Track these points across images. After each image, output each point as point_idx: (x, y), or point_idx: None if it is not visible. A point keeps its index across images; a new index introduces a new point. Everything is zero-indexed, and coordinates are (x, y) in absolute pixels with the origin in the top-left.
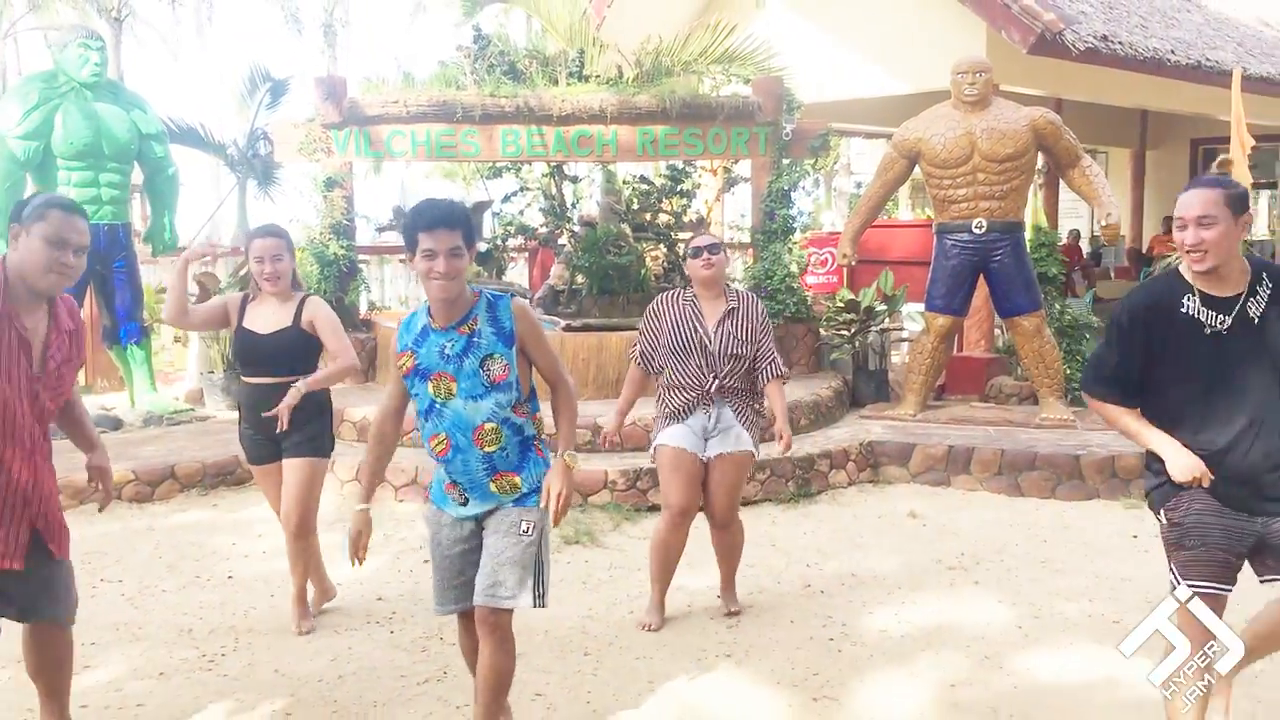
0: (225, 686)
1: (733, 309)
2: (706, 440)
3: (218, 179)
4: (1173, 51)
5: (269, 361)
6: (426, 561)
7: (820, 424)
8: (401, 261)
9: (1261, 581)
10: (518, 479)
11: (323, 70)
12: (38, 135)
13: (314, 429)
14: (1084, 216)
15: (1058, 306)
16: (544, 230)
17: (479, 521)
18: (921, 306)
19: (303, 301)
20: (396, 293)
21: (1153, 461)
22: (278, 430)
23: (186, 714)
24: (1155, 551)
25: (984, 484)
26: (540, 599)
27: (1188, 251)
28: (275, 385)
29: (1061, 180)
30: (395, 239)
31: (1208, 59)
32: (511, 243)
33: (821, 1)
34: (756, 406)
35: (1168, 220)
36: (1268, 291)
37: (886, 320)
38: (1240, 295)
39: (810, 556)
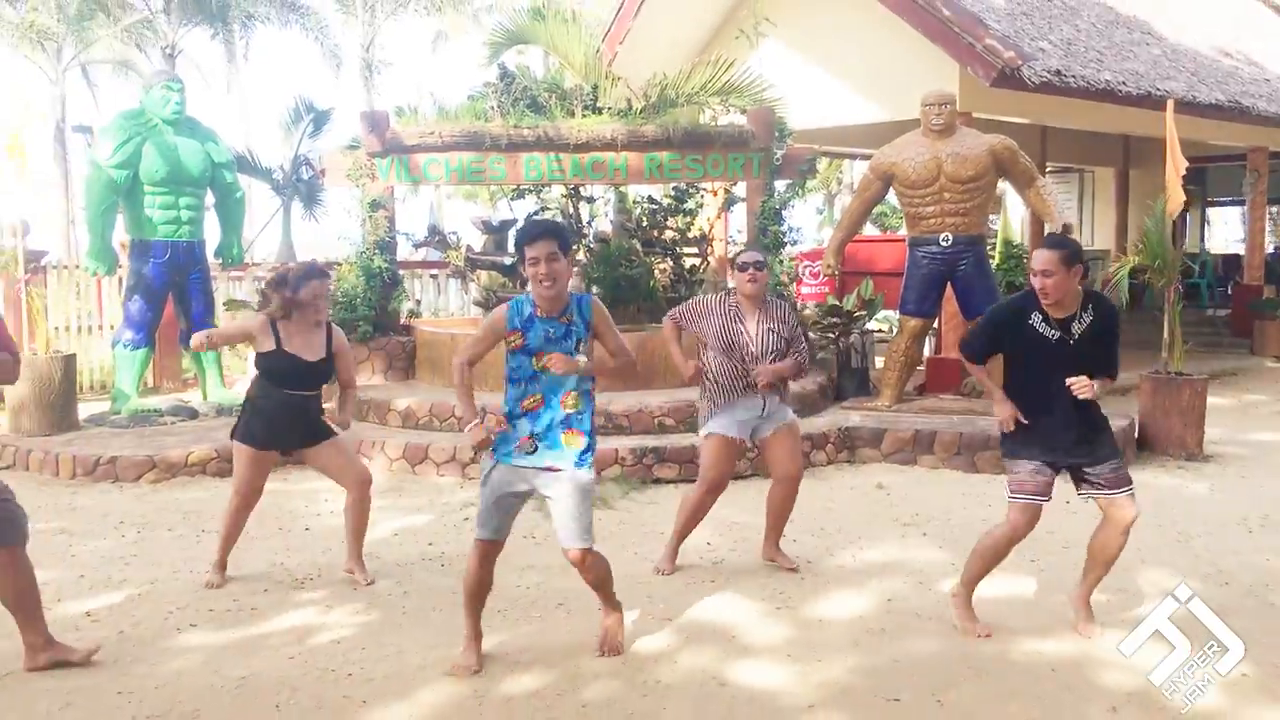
0: (315, 597)
1: (766, 311)
2: (755, 427)
3: (251, 200)
4: (1123, 83)
5: (307, 381)
6: (467, 519)
7: (804, 414)
8: (433, 277)
9: (1079, 494)
10: (581, 439)
11: (355, 97)
12: (128, 165)
13: (324, 419)
14: (1072, 235)
15: None
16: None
17: (529, 477)
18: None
19: (329, 332)
20: (426, 303)
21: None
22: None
23: (289, 612)
24: (1082, 513)
25: (945, 463)
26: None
27: (1044, 293)
28: (307, 396)
29: (1020, 198)
30: (430, 254)
31: (1157, 89)
32: None
33: (812, 38)
34: (787, 388)
35: None
36: (1089, 318)
37: (868, 323)
38: (1070, 318)
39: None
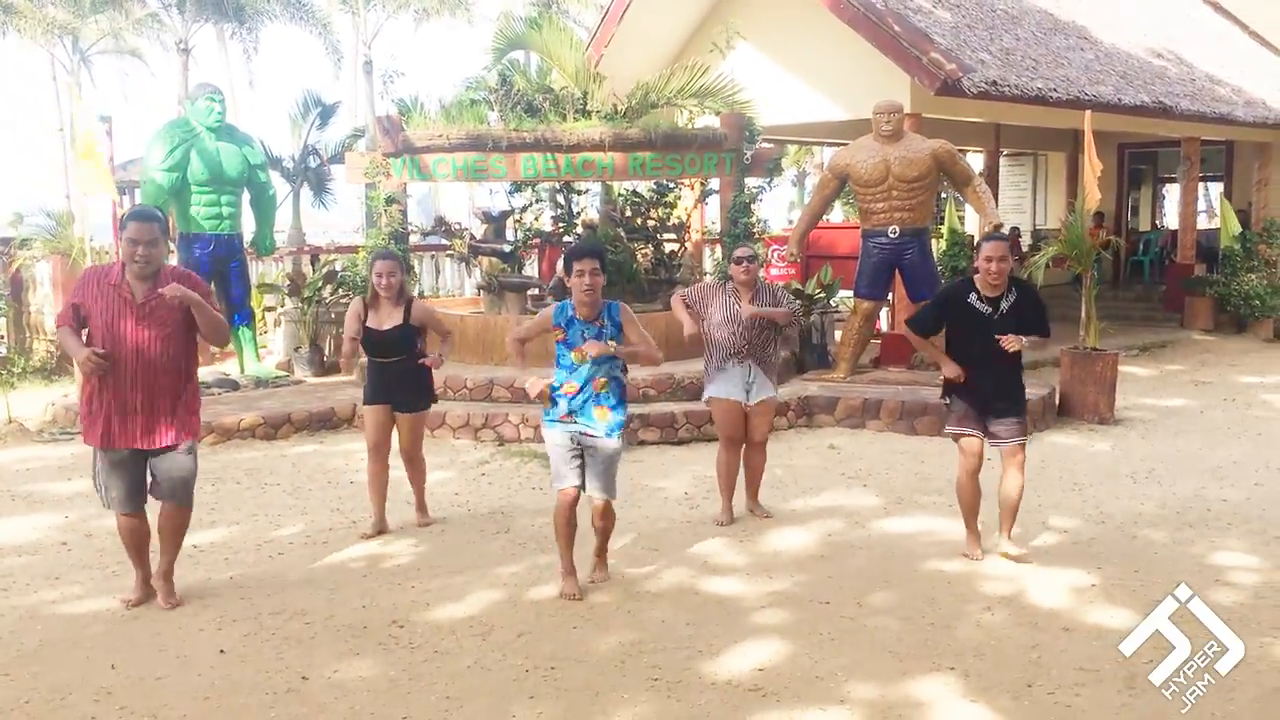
0: (373, 535)
1: (759, 292)
2: (748, 390)
3: None
4: (1054, 89)
5: (386, 349)
6: (484, 475)
7: None
8: (432, 257)
9: (990, 445)
10: (610, 414)
11: (355, 89)
12: (177, 168)
13: (423, 387)
14: (1026, 213)
15: None
16: (561, 231)
17: (575, 438)
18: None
19: (409, 304)
20: (426, 284)
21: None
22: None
23: (355, 545)
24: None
25: (890, 427)
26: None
27: (993, 274)
28: (391, 363)
29: (959, 194)
30: (435, 241)
31: (1085, 94)
32: (530, 244)
33: (781, 45)
34: (776, 362)
35: (1099, 215)
36: (1013, 297)
37: (826, 304)
38: (999, 297)
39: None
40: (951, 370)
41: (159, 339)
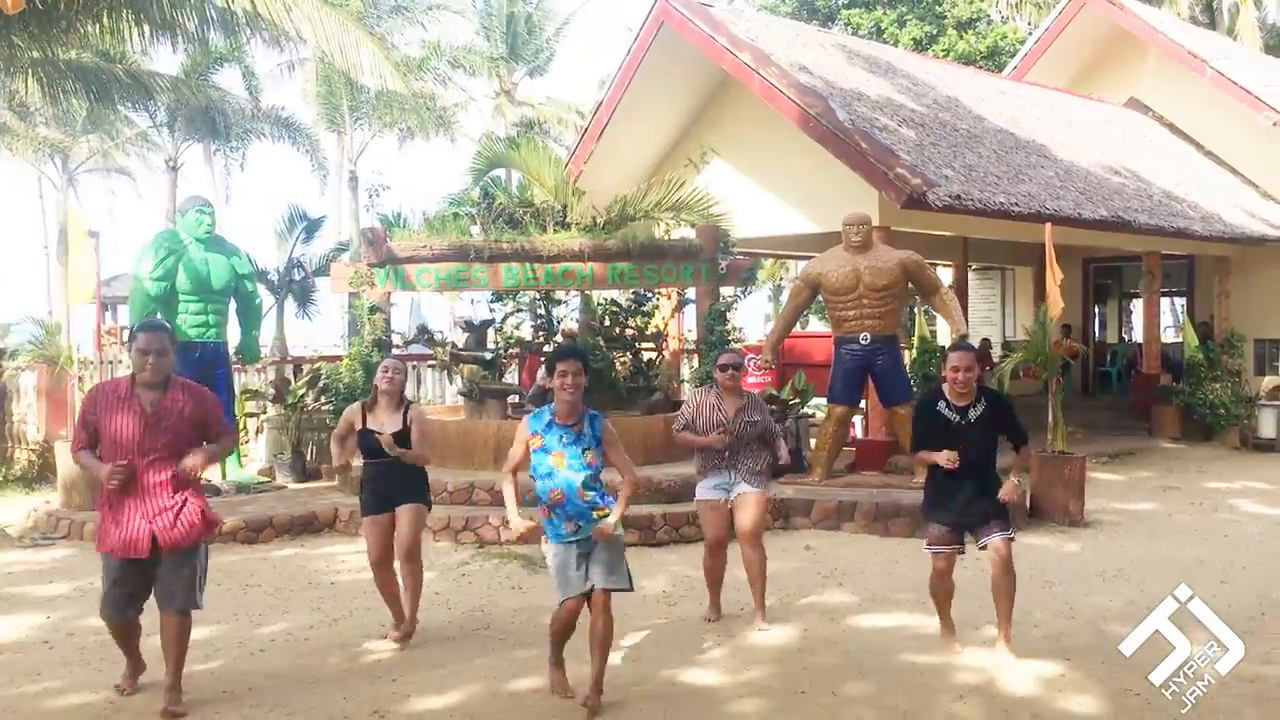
0: (349, 630)
1: (745, 404)
2: (730, 491)
3: None
4: (1015, 204)
5: (386, 452)
6: (464, 575)
7: None
8: (413, 367)
9: (978, 545)
10: (606, 510)
11: (339, 202)
12: (166, 278)
13: (421, 487)
14: (996, 326)
15: None
16: (541, 340)
17: (580, 545)
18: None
19: (406, 409)
20: (408, 392)
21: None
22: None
23: (335, 643)
24: (973, 568)
25: (864, 529)
26: (630, 582)
27: (959, 383)
28: (390, 465)
29: (927, 304)
30: (418, 350)
31: (1046, 208)
32: (511, 352)
33: (754, 161)
34: (762, 465)
35: (1066, 328)
36: (982, 406)
37: (801, 410)
38: (968, 405)
39: (732, 570)
40: (943, 458)
41: (166, 448)
